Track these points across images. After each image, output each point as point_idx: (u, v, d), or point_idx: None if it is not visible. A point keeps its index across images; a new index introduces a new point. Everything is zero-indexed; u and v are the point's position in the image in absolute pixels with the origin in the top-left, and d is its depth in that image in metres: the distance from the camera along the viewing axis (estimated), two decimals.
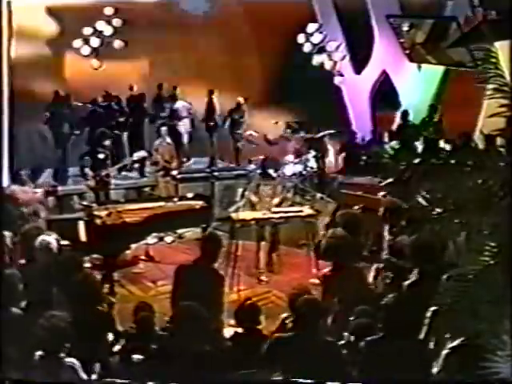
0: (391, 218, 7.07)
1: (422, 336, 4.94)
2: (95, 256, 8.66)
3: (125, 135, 13.18)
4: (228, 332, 5.87)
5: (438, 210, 3.49)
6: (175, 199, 9.85)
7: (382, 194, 9.10)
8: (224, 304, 6.25)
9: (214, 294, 6.07)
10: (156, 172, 11.43)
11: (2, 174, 10.34)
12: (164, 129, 11.70)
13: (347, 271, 6.07)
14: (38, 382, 4.68)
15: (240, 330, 5.39)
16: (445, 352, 4.43)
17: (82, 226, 8.90)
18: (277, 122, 13.08)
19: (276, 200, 9.49)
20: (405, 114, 13.02)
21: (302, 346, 4.85)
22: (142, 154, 11.60)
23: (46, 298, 5.78)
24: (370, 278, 6.38)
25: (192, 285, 6.00)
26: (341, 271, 6.07)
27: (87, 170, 10.83)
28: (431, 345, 4.86)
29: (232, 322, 5.76)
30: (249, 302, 5.73)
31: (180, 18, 13.96)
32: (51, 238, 6.53)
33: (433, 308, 4.73)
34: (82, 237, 8.81)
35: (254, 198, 9.63)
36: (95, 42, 13.41)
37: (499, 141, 3.74)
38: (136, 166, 12.70)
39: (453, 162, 3.49)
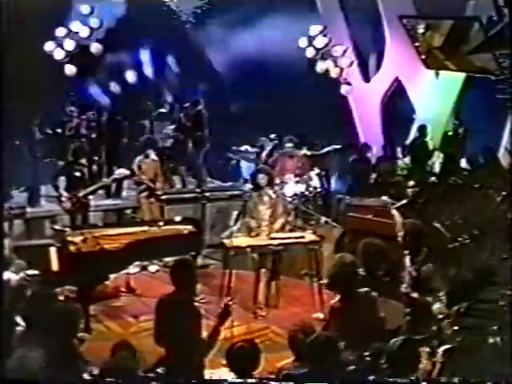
0: (412, 244, 7.05)
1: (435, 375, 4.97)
2: (69, 287, 8.65)
3: (103, 151, 13.13)
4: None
5: (458, 237, 3.51)
6: (160, 223, 9.85)
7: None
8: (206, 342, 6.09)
9: (193, 330, 5.97)
10: (139, 193, 11.37)
11: None
12: (149, 144, 11.57)
13: (357, 302, 6.07)
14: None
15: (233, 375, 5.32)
16: None
17: (53, 253, 8.89)
18: (277, 136, 13.09)
19: (277, 226, 9.50)
20: (422, 128, 13.03)
21: None
22: (123, 172, 11.56)
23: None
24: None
25: (171, 320, 5.98)
26: (350, 302, 6.07)
27: (62, 191, 10.76)
28: None
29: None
30: (245, 341, 5.62)
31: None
32: (12, 275, 6.40)
33: (447, 346, 4.75)
34: (54, 266, 8.80)
35: (250, 222, 9.64)
36: (70, 44, 13.41)
37: None
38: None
39: (475, 182, 3.52)
